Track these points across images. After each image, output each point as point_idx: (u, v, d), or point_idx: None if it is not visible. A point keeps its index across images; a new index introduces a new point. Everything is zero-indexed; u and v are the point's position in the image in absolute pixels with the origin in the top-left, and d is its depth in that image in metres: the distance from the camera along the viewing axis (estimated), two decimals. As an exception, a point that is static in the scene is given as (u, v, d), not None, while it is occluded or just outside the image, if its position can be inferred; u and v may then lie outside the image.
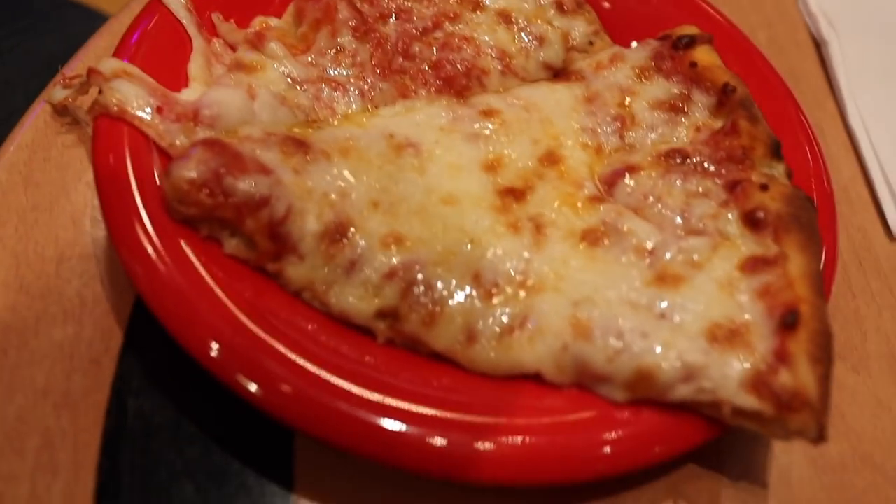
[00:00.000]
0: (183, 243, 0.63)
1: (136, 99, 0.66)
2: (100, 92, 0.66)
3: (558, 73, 0.81)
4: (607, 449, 0.60)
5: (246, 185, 0.63)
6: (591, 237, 0.67)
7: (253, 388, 0.57)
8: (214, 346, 0.58)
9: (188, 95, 0.69)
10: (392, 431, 0.57)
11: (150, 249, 0.62)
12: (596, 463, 0.59)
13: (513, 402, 0.61)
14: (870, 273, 0.80)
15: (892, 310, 0.77)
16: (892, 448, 0.69)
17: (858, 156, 0.88)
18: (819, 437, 0.59)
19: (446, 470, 0.58)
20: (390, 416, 0.58)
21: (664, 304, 0.62)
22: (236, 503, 0.60)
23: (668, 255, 0.65)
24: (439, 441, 0.57)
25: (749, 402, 0.59)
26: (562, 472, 0.59)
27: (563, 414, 0.61)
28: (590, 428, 0.60)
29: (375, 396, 0.59)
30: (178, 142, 0.65)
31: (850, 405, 0.71)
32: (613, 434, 0.60)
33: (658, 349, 0.60)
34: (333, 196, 0.65)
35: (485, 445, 0.58)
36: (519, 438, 0.59)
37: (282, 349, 0.60)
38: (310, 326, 0.63)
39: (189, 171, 0.61)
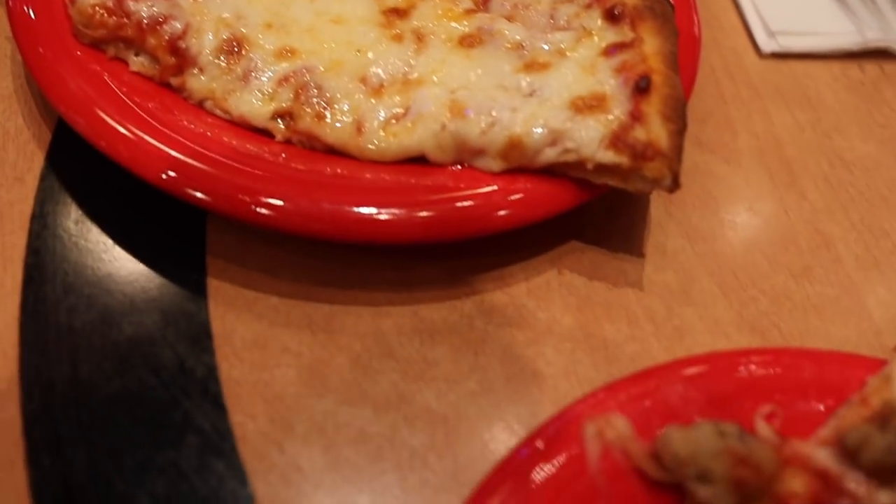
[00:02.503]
0: (92, 63, 0.69)
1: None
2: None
3: None
4: (492, 209, 0.66)
5: (145, 6, 0.69)
6: (468, 41, 0.73)
7: (170, 174, 0.64)
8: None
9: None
10: (295, 206, 0.64)
11: (63, 70, 0.68)
12: (481, 222, 0.66)
13: (400, 179, 0.68)
14: (740, 84, 0.87)
15: (759, 113, 0.84)
16: (758, 222, 0.76)
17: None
18: (674, 184, 0.66)
19: (338, 233, 0.64)
20: (292, 191, 0.64)
21: (532, 85, 0.69)
22: (153, 285, 0.66)
23: (536, 47, 0.71)
24: (328, 206, 0.64)
25: (608, 156, 0.65)
26: (449, 232, 0.65)
27: (450, 189, 0.67)
28: (474, 195, 0.66)
29: (279, 175, 0.65)
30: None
31: (722, 190, 0.78)
32: (496, 198, 0.66)
33: (525, 120, 0.67)
34: (228, 16, 0.71)
35: (374, 210, 0.64)
36: (408, 206, 0.65)
37: (189, 144, 0.66)
38: (214, 132, 0.69)
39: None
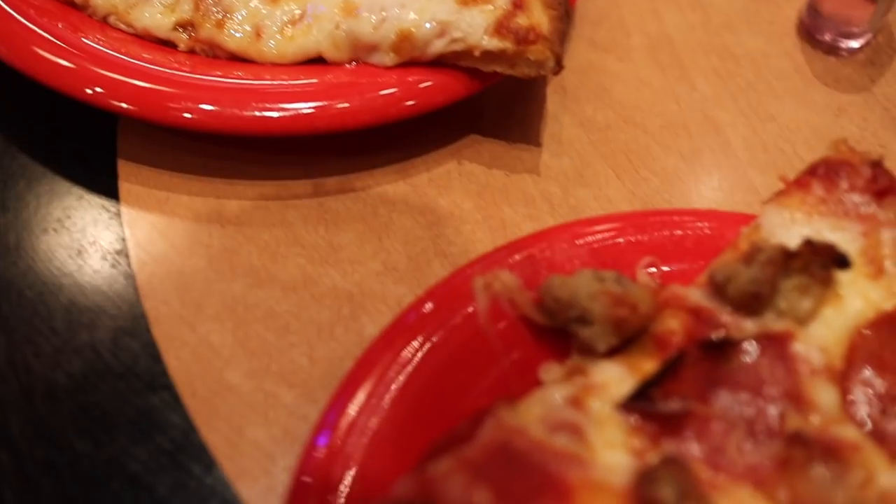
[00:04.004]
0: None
1: None
2: None
3: None
4: (389, 100, 0.69)
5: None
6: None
7: (90, 92, 0.68)
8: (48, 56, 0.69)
9: None
10: (204, 105, 0.68)
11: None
12: (380, 111, 0.69)
13: (301, 78, 0.71)
14: (634, -11, 0.91)
15: (651, 13, 0.88)
16: (650, 111, 0.80)
17: None
18: (557, 66, 0.69)
19: (248, 128, 0.67)
20: (198, 91, 0.68)
21: (421, -16, 0.72)
22: (67, 191, 0.69)
23: (424, -52, 0.74)
24: (238, 105, 0.67)
25: (493, 43, 0.69)
26: (349, 122, 0.69)
27: (348, 83, 0.70)
28: (370, 85, 0.70)
29: (188, 80, 0.69)
30: None
31: (616, 84, 0.82)
32: (393, 88, 0.70)
33: (414, 14, 0.70)
34: (125, -67, 0.74)
35: (279, 105, 0.68)
36: (309, 99, 0.68)
37: (104, 59, 0.69)
38: (122, 47, 0.72)
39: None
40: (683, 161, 0.77)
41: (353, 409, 0.55)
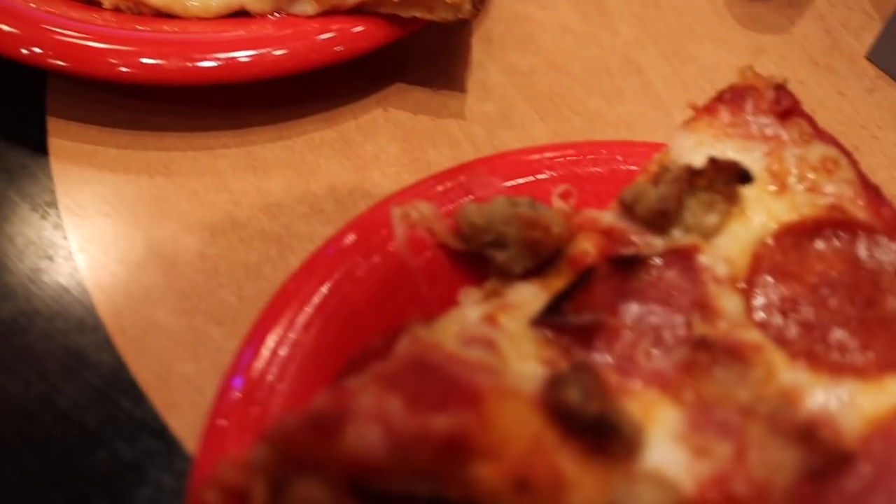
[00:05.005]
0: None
1: None
2: None
3: None
4: (313, 47, 0.71)
5: None
6: None
7: (26, 52, 0.69)
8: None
9: None
10: (146, 59, 0.69)
11: None
12: (304, 58, 0.71)
13: (226, 29, 0.72)
14: (557, -58, 0.92)
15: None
16: (574, 56, 0.82)
17: None
18: (474, 9, 0.71)
19: (177, 78, 0.69)
20: (137, 44, 0.69)
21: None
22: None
23: None
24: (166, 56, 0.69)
25: (410, -14, 0.70)
26: (273, 69, 0.70)
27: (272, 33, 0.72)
28: (295, 33, 0.71)
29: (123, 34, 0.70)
30: None
31: (540, 32, 0.84)
32: (316, 36, 0.71)
33: (334, -33, 0.71)
34: None
35: (207, 55, 0.69)
36: (235, 49, 0.70)
37: (36, 9, 0.70)
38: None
39: None
40: (605, 101, 0.79)
41: (268, 347, 0.56)
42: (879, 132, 0.79)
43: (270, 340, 0.56)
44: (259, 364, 0.55)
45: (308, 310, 0.58)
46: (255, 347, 0.55)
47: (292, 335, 0.56)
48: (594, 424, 0.49)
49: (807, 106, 0.62)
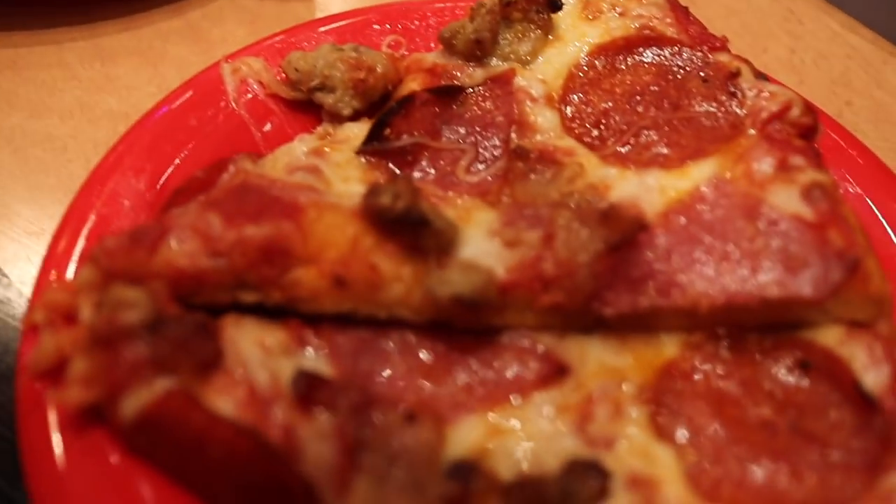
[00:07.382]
0: None
1: None
2: None
3: None
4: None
5: None
6: None
7: None
8: None
9: None
10: None
11: None
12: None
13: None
14: None
15: None
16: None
17: None
18: None
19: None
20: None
21: None
22: None
23: None
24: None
25: None
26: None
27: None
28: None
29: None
30: None
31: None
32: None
33: None
34: None
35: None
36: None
37: None
38: None
39: None
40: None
41: (105, 194, 0.57)
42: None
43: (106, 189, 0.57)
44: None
45: (140, 166, 0.59)
46: (90, 197, 0.57)
47: (129, 181, 0.58)
48: (404, 219, 0.51)
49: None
